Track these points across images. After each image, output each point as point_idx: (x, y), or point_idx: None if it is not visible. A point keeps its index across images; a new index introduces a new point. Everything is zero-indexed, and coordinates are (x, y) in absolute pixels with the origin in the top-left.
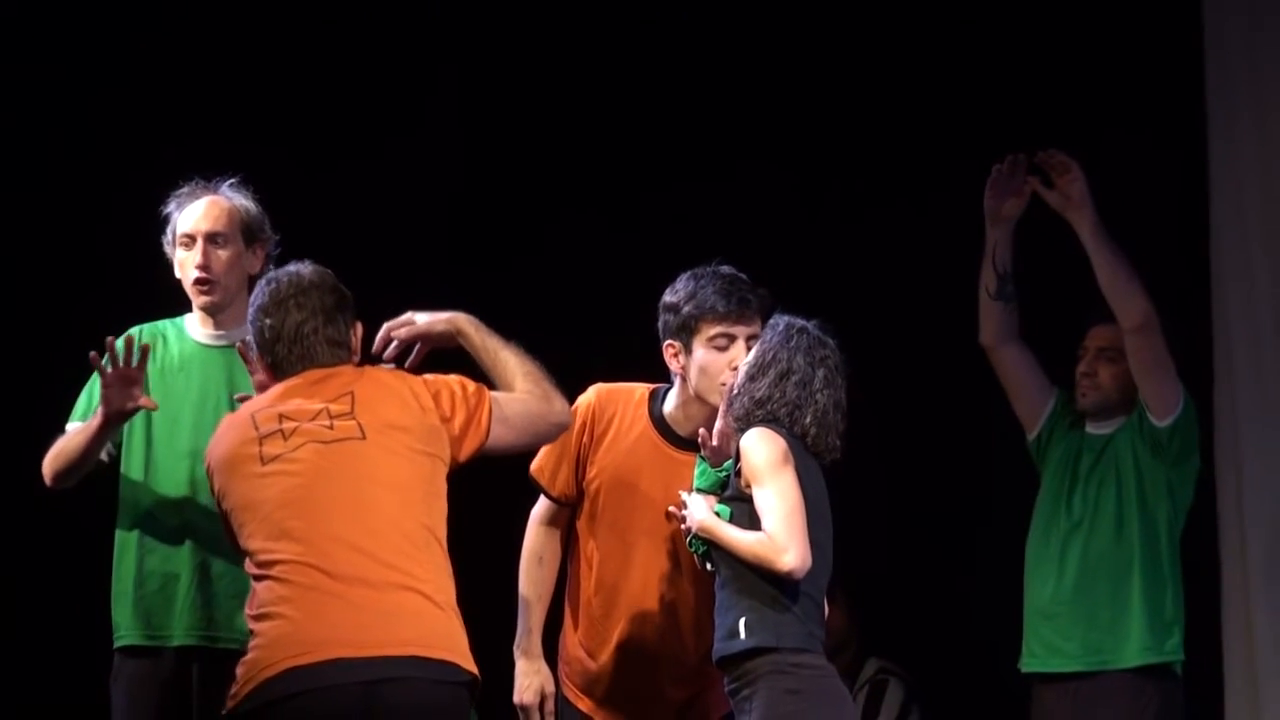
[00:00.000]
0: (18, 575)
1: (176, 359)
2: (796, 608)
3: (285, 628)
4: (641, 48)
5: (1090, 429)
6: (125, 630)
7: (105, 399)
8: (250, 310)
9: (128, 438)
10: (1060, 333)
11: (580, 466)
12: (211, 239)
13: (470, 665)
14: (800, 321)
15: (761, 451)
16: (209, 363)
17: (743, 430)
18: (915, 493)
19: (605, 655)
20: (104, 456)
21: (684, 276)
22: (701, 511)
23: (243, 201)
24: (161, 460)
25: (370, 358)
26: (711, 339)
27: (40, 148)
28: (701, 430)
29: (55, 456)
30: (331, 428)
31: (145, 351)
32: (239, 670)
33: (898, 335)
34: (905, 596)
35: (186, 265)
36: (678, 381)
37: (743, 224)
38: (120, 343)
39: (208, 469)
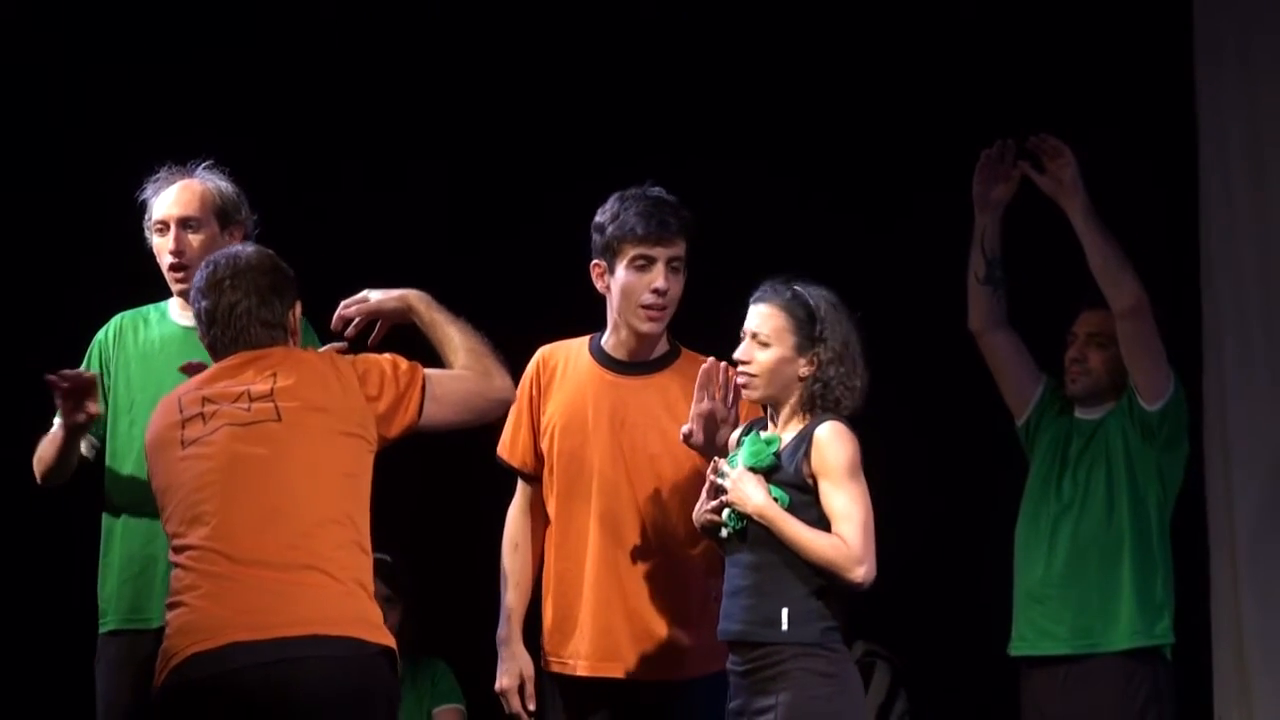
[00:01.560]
0: (9, 562)
1: (157, 343)
2: (834, 600)
3: (189, 615)
4: (641, 26)
5: (1079, 414)
6: (109, 614)
7: (62, 412)
8: (191, 292)
9: (112, 424)
10: (1049, 319)
11: (535, 425)
12: (184, 224)
13: (378, 637)
14: (819, 289)
15: (843, 451)
16: (188, 346)
17: (808, 411)
18: (903, 478)
19: (578, 596)
20: (86, 453)
21: (613, 197)
22: (760, 496)
23: (217, 184)
24: (142, 442)
25: (332, 336)
26: (632, 260)
27: (26, 137)
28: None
29: (37, 460)
30: (249, 410)
31: (92, 381)
32: (157, 659)
33: (886, 320)
34: (892, 579)
35: (162, 251)
36: (607, 304)
37: (735, 208)
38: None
39: (145, 449)
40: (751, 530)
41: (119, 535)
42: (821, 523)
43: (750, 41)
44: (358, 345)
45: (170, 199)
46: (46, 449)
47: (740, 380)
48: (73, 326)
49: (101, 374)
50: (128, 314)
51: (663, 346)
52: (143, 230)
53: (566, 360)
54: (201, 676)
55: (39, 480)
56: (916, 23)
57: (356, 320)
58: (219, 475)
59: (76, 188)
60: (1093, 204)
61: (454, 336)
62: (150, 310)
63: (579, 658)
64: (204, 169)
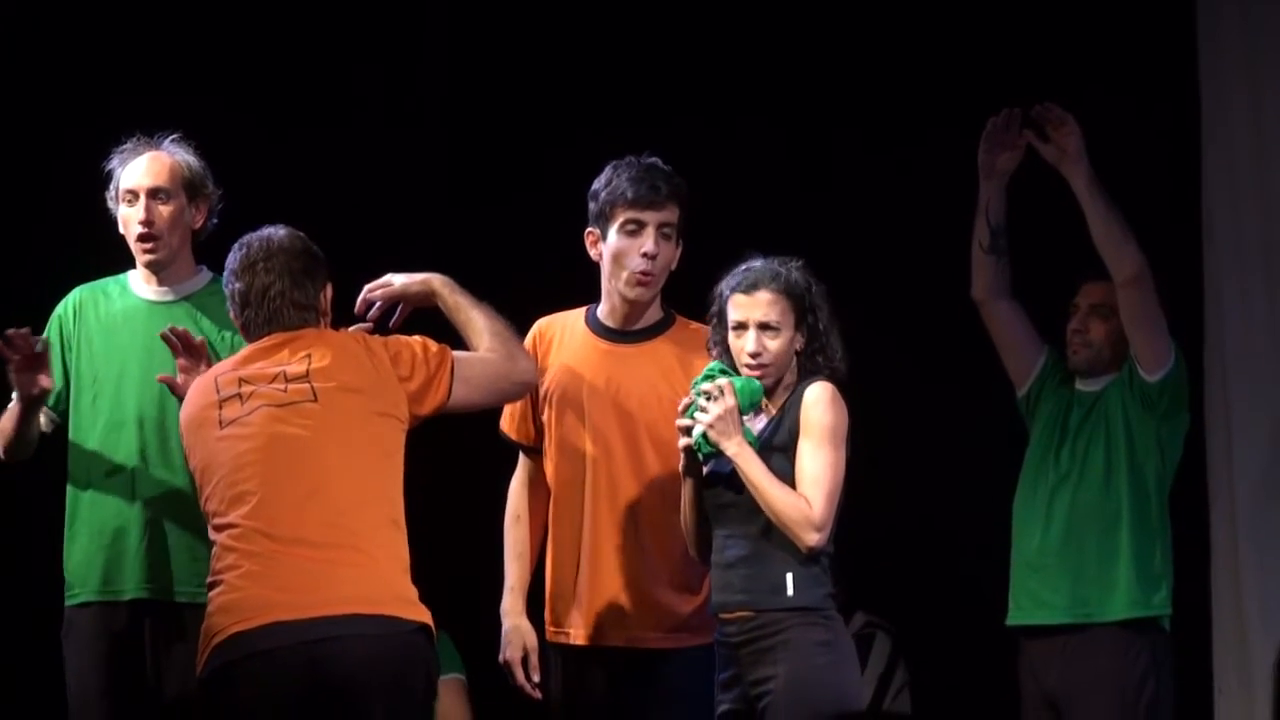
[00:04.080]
0: None
1: (120, 316)
2: (827, 563)
3: (231, 594)
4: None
5: (1080, 386)
6: (78, 587)
7: (16, 385)
8: (225, 274)
9: (75, 398)
10: (1052, 290)
11: (534, 397)
12: (154, 194)
13: (416, 614)
14: (788, 261)
15: (827, 414)
16: (153, 319)
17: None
18: (902, 447)
19: (575, 565)
20: (45, 427)
21: (608, 166)
22: (738, 437)
23: (185, 157)
24: (108, 416)
25: (354, 319)
26: (623, 225)
27: None
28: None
29: None
30: (285, 391)
31: (45, 345)
32: (200, 638)
33: (888, 289)
34: (892, 549)
35: (130, 221)
36: (601, 273)
37: (735, 175)
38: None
39: (180, 429)
40: (745, 501)
41: (85, 508)
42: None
43: (755, 7)
44: (379, 328)
45: (140, 169)
46: (4, 423)
47: (755, 373)
48: (28, 297)
49: (63, 348)
50: (86, 287)
51: (656, 314)
52: (104, 201)
53: (563, 331)
54: (243, 655)
55: (2, 456)
56: None
57: (379, 304)
58: (258, 455)
59: (30, 160)
60: (1095, 173)
61: (478, 320)
62: (110, 283)
63: (577, 627)
64: (171, 141)
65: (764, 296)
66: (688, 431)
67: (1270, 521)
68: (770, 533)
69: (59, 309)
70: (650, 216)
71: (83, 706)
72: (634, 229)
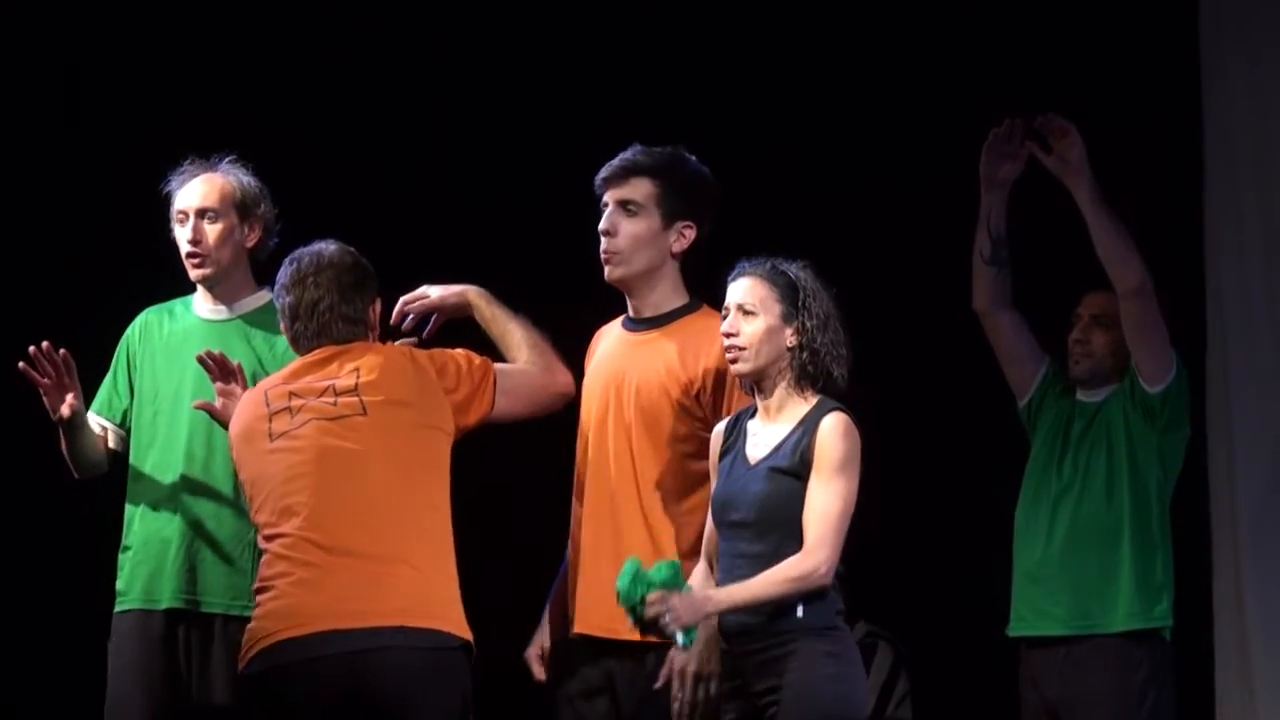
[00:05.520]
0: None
1: (180, 335)
2: (837, 581)
3: (281, 600)
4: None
5: (1081, 396)
6: (124, 595)
7: (49, 407)
8: (275, 287)
9: (136, 415)
10: (1053, 300)
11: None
12: (202, 214)
13: (460, 631)
14: (794, 262)
15: (839, 447)
16: (208, 337)
17: (801, 384)
18: (905, 458)
19: (579, 562)
20: (115, 445)
21: None
22: (699, 607)
23: (238, 177)
24: (163, 432)
25: (389, 330)
26: (601, 207)
27: (48, 132)
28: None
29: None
30: (335, 404)
31: (68, 359)
32: (244, 637)
33: (890, 300)
34: (894, 561)
35: (181, 240)
36: None
37: (739, 185)
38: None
39: (229, 441)
40: (757, 521)
41: (138, 521)
42: None
43: (756, 18)
44: (414, 338)
45: (190, 190)
46: (63, 445)
47: (729, 355)
48: (95, 319)
49: (129, 368)
50: (154, 308)
51: (672, 300)
52: (168, 222)
53: (607, 332)
54: (290, 662)
55: (75, 474)
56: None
57: (413, 316)
58: (310, 467)
59: (96, 183)
60: (1098, 184)
61: (515, 332)
62: (176, 304)
63: (576, 617)
64: (227, 163)
65: (744, 281)
66: (664, 633)
67: (1272, 531)
68: (778, 553)
69: (128, 331)
70: (610, 195)
71: (116, 705)
72: (604, 209)
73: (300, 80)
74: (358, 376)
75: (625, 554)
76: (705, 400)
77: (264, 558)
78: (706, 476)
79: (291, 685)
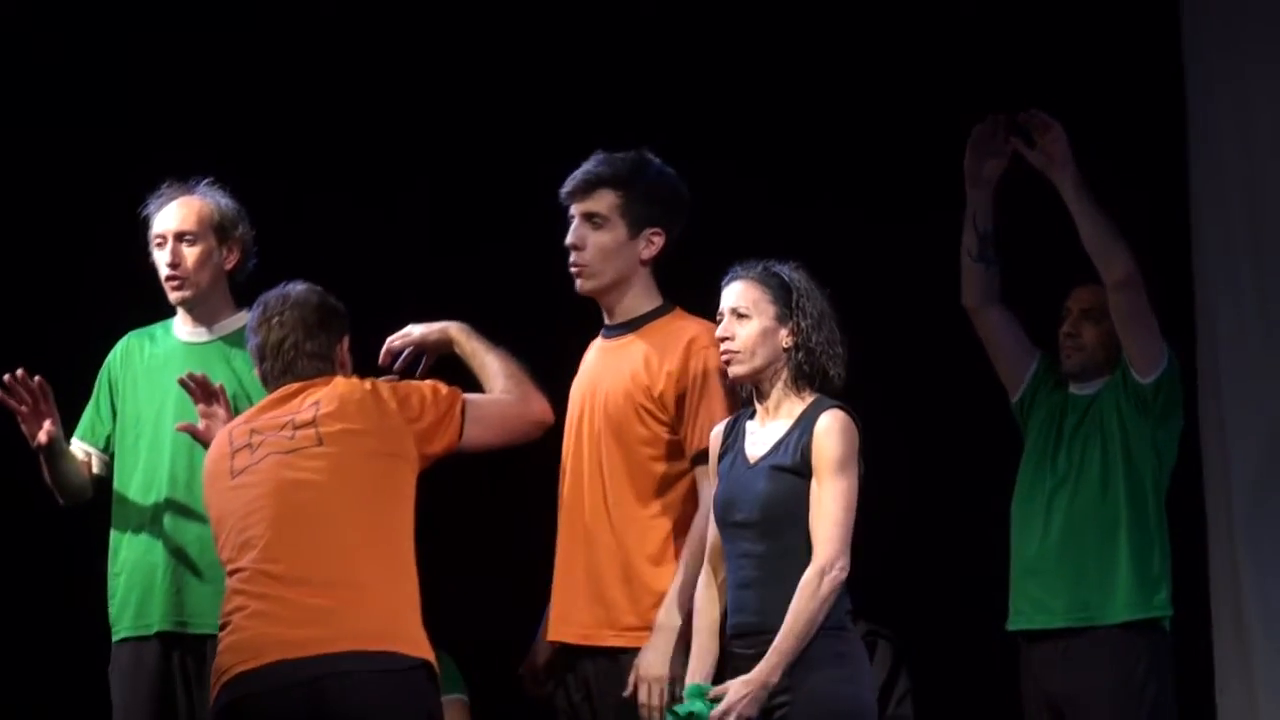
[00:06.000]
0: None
1: (160, 358)
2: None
3: (237, 634)
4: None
5: (1074, 389)
6: (118, 623)
7: (26, 435)
8: (246, 331)
9: (120, 439)
10: (1043, 294)
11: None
12: (181, 237)
13: (419, 651)
14: (786, 265)
15: (837, 445)
16: (189, 359)
17: (798, 384)
18: (900, 455)
19: (557, 560)
20: (100, 470)
21: None
22: (751, 699)
23: (216, 199)
24: (146, 456)
25: (379, 371)
26: (569, 218)
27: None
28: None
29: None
30: (292, 438)
31: (44, 385)
32: (211, 672)
33: (880, 298)
34: (892, 558)
35: (160, 264)
36: None
37: (725, 191)
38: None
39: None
40: (761, 521)
41: (124, 546)
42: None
43: (741, 24)
44: (407, 379)
45: (168, 214)
46: (45, 473)
47: (724, 358)
48: (75, 345)
49: (112, 393)
50: (135, 333)
51: (642, 305)
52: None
53: (596, 340)
54: (247, 694)
55: (60, 501)
56: None
57: (405, 354)
58: (266, 501)
59: (79, 208)
60: (1083, 178)
61: (493, 364)
62: (157, 328)
63: (551, 625)
64: (205, 185)
65: (736, 285)
66: None
67: (1268, 521)
68: (784, 553)
69: (110, 356)
70: (575, 207)
71: None
72: (570, 220)
73: (282, 117)
74: (317, 409)
75: (596, 562)
76: (668, 402)
77: (226, 593)
78: (673, 480)
79: (253, 718)
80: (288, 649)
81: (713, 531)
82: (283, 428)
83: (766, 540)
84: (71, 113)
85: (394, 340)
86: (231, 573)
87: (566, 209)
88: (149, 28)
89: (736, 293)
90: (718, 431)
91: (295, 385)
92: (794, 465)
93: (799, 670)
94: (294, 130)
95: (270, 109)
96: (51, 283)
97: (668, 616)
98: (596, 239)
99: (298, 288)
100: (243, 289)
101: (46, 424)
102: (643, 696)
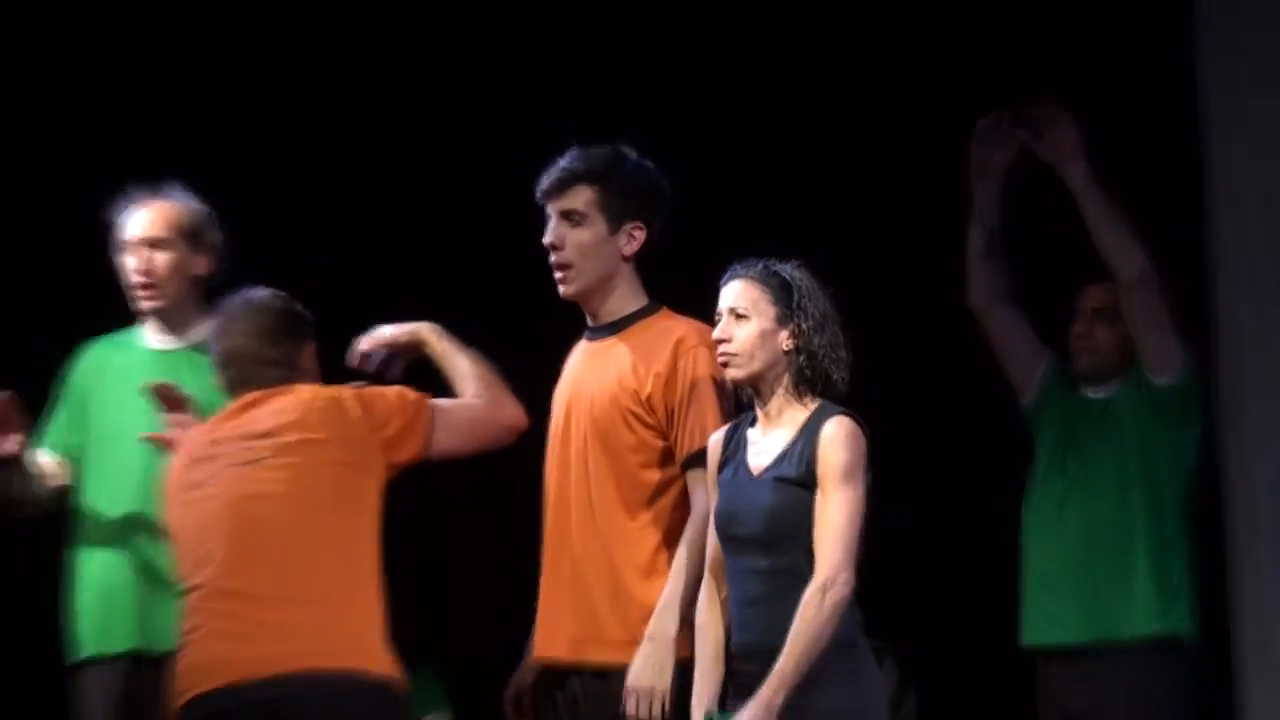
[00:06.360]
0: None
1: (129, 366)
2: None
3: (193, 655)
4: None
5: (1087, 392)
6: (80, 644)
7: None
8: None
9: (85, 448)
10: (1053, 293)
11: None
12: (151, 244)
13: (378, 666)
14: (788, 264)
15: (842, 454)
16: (158, 367)
17: (800, 389)
18: (906, 466)
19: (542, 574)
20: (52, 483)
21: None
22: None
23: (186, 205)
24: (109, 469)
25: (351, 374)
26: (546, 217)
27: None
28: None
29: None
30: (250, 448)
31: (12, 397)
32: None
33: (887, 300)
34: (897, 570)
35: (129, 272)
36: None
37: (723, 188)
38: None
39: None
40: (765, 535)
41: (86, 563)
42: None
43: (738, 20)
44: (378, 383)
45: (138, 220)
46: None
47: (722, 360)
48: (40, 355)
49: (77, 403)
50: (100, 341)
51: (627, 305)
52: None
53: (581, 342)
54: (203, 717)
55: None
56: None
57: (378, 357)
58: (222, 515)
59: (49, 211)
60: (1094, 172)
61: (464, 367)
62: (123, 335)
63: (538, 642)
64: (174, 190)
65: (736, 285)
66: None
67: None
68: (788, 568)
69: (76, 365)
70: (552, 206)
71: None
72: (548, 220)
73: (267, 121)
74: (276, 419)
75: (583, 575)
76: (656, 405)
77: (184, 611)
78: (662, 488)
79: None
80: (244, 669)
81: (713, 544)
82: (240, 438)
83: (772, 555)
84: (47, 123)
85: (362, 342)
86: (189, 590)
87: (541, 207)
88: (117, 31)
89: (735, 292)
90: (717, 440)
91: (257, 394)
92: (799, 477)
93: (807, 689)
94: (279, 134)
95: (253, 112)
96: (10, 292)
97: (659, 626)
98: (575, 236)
99: (258, 294)
100: (214, 295)
101: (12, 436)
102: (630, 709)
